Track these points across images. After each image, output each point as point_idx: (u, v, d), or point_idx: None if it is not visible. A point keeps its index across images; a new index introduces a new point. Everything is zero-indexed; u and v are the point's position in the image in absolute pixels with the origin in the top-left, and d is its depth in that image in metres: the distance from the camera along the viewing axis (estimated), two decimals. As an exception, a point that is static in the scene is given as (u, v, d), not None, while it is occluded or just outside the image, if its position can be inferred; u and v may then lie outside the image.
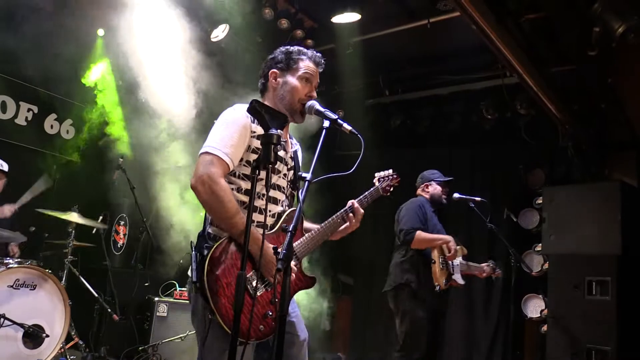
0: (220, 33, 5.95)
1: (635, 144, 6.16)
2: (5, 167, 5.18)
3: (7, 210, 5.28)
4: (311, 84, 2.66)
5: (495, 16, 4.16)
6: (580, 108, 5.70)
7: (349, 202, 2.75)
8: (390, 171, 3.11)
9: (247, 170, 2.49)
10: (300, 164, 2.85)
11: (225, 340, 2.24)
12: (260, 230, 2.30)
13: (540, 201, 6.13)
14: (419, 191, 5.15)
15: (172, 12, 5.77)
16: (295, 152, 2.76)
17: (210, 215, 2.46)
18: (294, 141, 2.85)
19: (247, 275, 2.35)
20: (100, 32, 6.48)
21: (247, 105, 2.51)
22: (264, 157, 2.06)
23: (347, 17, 5.92)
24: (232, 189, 2.45)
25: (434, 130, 7.40)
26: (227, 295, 2.27)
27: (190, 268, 2.34)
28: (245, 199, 2.46)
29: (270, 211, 2.54)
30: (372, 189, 2.96)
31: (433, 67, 6.93)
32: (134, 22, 5.90)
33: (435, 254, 4.69)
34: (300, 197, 2.15)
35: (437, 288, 4.61)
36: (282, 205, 2.61)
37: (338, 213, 2.69)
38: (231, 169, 2.44)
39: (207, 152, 2.39)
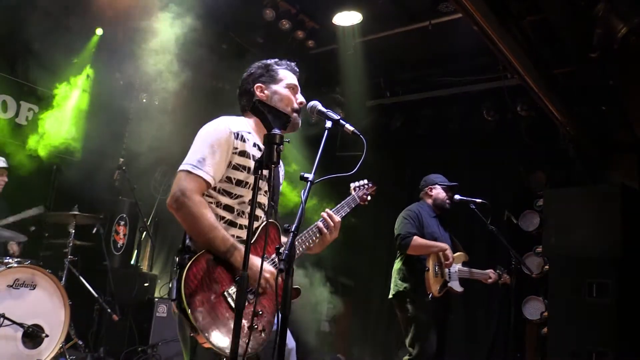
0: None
1: (636, 146, 6.16)
2: (5, 164, 5.16)
3: (16, 247, 5.26)
4: (296, 92, 2.69)
5: (497, 18, 4.16)
6: (581, 110, 5.70)
7: (323, 213, 2.68)
8: (366, 181, 3.09)
9: (228, 187, 2.44)
10: (281, 180, 2.82)
11: (210, 358, 2.21)
12: (242, 245, 2.27)
13: (541, 203, 6.13)
14: (422, 194, 5.13)
15: (173, 13, 5.79)
16: (276, 170, 2.70)
17: (187, 232, 2.40)
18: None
19: (228, 290, 2.29)
20: (99, 31, 6.48)
21: (231, 119, 2.53)
22: (267, 157, 2.05)
23: (349, 19, 5.92)
24: (211, 202, 2.42)
25: (435, 131, 7.40)
26: (206, 310, 2.19)
27: (170, 284, 2.28)
28: (224, 214, 2.43)
29: (246, 227, 2.45)
30: (348, 197, 2.94)
31: (434, 68, 6.93)
32: (134, 23, 5.93)
33: (430, 262, 4.66)
34: (303, 198, 2.13)
35: (430, 296, 4.58)
36: (261, 220, 2.55)
37: (312, 226, 2.63)
38: (212, 186, 2.40)
39: (183, 170, 2.36)
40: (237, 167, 2.44)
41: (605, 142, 6.28)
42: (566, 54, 5.04)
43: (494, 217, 4.93)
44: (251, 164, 2.46)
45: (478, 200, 4.96)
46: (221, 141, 2.41)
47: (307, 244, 2.60)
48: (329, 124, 2.38)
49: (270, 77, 2.67)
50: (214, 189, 2.43)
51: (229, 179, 2.44)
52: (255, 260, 2.24)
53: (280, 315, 1.99)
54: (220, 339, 2.17)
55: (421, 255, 4.70)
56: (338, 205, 2.83)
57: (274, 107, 2.30)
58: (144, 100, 7.14)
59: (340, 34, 6.21)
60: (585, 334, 5.03)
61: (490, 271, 5.06)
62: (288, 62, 2.76)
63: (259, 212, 2.55)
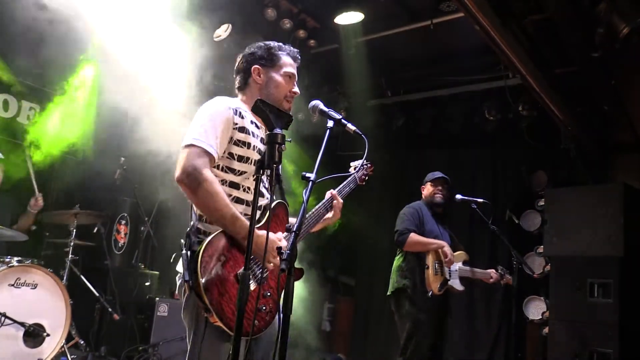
0: (222, 32, 5.94)
1: (638, 146, 6.15)
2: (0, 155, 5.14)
3: (40, 200, 5.27)
4: (293, 81, 2.67)
5: (499, 17, 4.15)
6: (583, 110, 5.69)
7: (328, 193, 2.75)
8: (364, 160, 2.99)
9: (230, 163, 2.43)
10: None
11: (222, 338, 2.22)
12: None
13: (543, 203, 6.12)
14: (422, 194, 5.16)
15: (174, 12, 5.78)
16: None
17: (198, 209, 2.38)
18: None
19: (238, 272, 2.29)
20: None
21: (228, 98, 2.53)
22: (269, 156, 2.05)
23: (350, 18, 5.91)
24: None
25: (436, 131, 7.39)
26: (221, 291, 2.21)
27: (181, 266, 2.28)
28: (230, 191, 2.41)
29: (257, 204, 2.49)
30: (349, 178, 2.99)
31: (436, 68, 6.92)
32: (134, 22, 5.91)
33: (429, 259, 4.66)
34: (304, 197, 2.13)
35: (430, 294, 4.57)
36: (266, 199, 2.55)
37: (320, 204, 2.69)
38: (216, 161, 2.39)
39: (191, 145, 2.31)
40: (237, 143, 2.44)
41: (607, 142, 6.27)
42: (568, 54, 5.03)
43: (495, 217, 4.94)
44: (251, 139, 2.48)
45: (479, 200, 4.96)
46: (222, 116, 2.40)
47: (311, 224, 2.64)
48: (330, 123, 2.38)
49: (270, 60, 2.65)
50: (217, 167, 2.42)
51: (230, 155, 2.43)
52: (262, 237, 2.19)
53: (281, 315, 1.99)
54: (230, 319, 2.19)
55: (421, 253, 4.70)
56: (340, 186, 2.87)
57: (275, 107, 2.29)
58: (145, 99, 7.13)
59: (342, 33, 6.20)
60: (587, 333, 5.03)
61: (491, 271, 5.06)
62: (291, 49, 2.73)
63: (263, 190, 2.55)
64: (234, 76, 2.75)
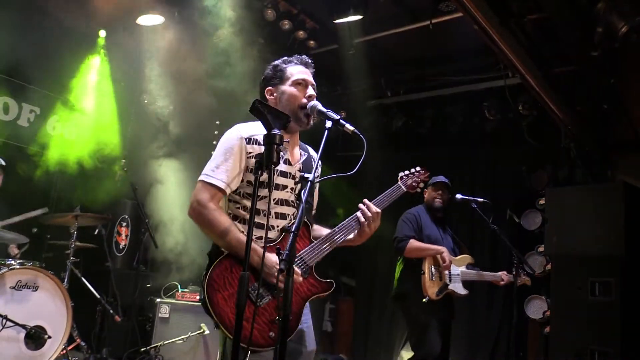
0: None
1: (638, 144, 6.14)
2: (2, 162, 5.15)
3: (16, 250, 5.23)
4: (306, 86, 2.64)
5: (497, 17, 4.15)
6: (583, 109, 5.69)
7: (360, 204, 2.66)
8: (417, 168, 3.13)
9: (250, 190, 2.50)
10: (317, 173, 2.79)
11: (239, 351, 2.25)
12: (260, 243, 2.36)
13: (543, 202, 6.11)
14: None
15: (175, 14, 5.80)
16: (304, 162, 2.71)
17: (208, 237, 2.50)
18: (311, 152, 2.82)
19: (250, 286, 2.34)
20: (102, 33, 6.50)
21: (245, 125, 2.57)
22: (266, 157, 2.06)
23: (349, 18, 5.92)
24: (238, 207, 2.53)
25: (436, 131, 7.40)
26: (229, 306, 2.32)
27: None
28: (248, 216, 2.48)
29: (278, 226, 2.55)
30: (392, 187, 2.92)
31: (435, 68, 6.93)
32: (136, 24, 5.93)
33: (425, 265, 4.65)
34: (302, 198, 2.14)
35: (426, 299, 4.56)
36: (290, 220, 2.59)
37: (350, 217, 2.63)
38: (229, 193, 2.50)
39: (200, 181, 2.49)
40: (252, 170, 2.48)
41: (607, 140, 6.26)
42: (567, 53, 5.02)
43: (495, 216, 4.93)
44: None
45: (480, 199, 4.96)
46: (233, 148, 2.49)
47: (342, 235, 2.61)
48: (329, 123, 2.38)
49: (278, 77, 2.68)
50: (238, 194, 2.53)
51: (249, 183, 2.51)
52: (271, 257, 2.34)
53: (282, 315, 2.00)
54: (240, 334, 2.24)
55: (420, 258, 4.70)
56: (380, 196, 2.80)
57: (274, 108, 2.30)
58: (146, 101, 7.15)
59: (341, 33, 6.21)
60: (588, 333, 5.02)
61: (502, 273, 5.05)
62: (298, 57, 2.74)
63: (287, 209, 2.59)
64: None
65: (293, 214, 2.62)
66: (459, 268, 4.85)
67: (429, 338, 4.57)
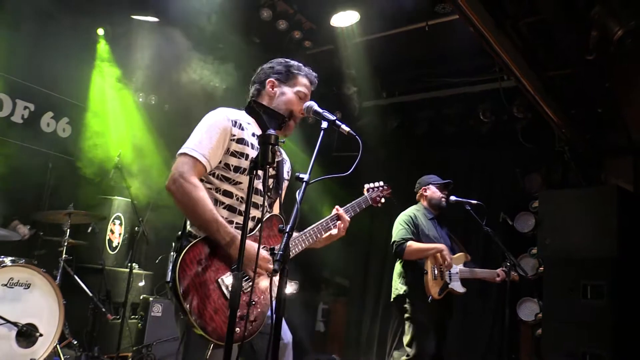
0: None
1: (631, 148, 6.18)
2: None
3: (23, 229, 5.19)
4: (304, 102, 2.67)
5: (493, 19, 4.17)
6: (577, 112, 5.71)
7: (334, 210, 2.78)
8: (381, 182, 3.19)
9: (225, 172, 2.50)
10: (286, 177, 2.86)
11: (201, 343, 2.25)
12: (239, 231, 2.33)
13: (536, 205, 6.14)
14: (417, 196, 5.14)
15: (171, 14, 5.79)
16: (279, 163, 2.74)
17: (184, 214, 2.43)
18: (284, 155, 2.87)
19: (223, 277, 2.34)
20: (100, 31, 6.48)
21: (229, 110, 2.58)
22: (262, 157, 2.06)
23: (346, 19, 5.92)
24: (210, 188, 2.48)
25: (431, 132, 7.41)
26: (199, 296, 2.24)
27: (168, 268, 2.33)
28: (223, 199, 2.48)
29: (250, 215, 2.51)
30: (360, 198, 3.03)
31: (431, 69, 6.93)
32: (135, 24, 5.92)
33: (428, 264, 4.65)
34: (298, 198, 2.14)
35: (430, 299, 4.57)
36: (260, 210, 2.57)
37: (322, 220, 2.72)
38: (208, 171, 2.45)
39: (183, 154, 2.41)
40: (234, 154, 2.50)
41: (601, 144, 6.29)
42: (562, 56, 5.04)
43: (489, 218, 4.93)
44: (248, 150, 2.53)
45: (473, 201, 4.96)
46: (218, 127, 2.48)
47: (312, 238, 2.66)
48: (324, 124, 2.38)
49: (286, 77, 2.71)
50: (213, 175, 2.49)
51: (226, 166, 2.50)
52: (251, 246, 2.30)
53: (274, 316, 1.99)
54: (207, 324, 2.23)
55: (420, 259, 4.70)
56: (347, 205, 2.89)
57: (270, 108, 2.30)
58: (140, 100, 7.14)
59: (338, 34, 6.21)
60: (580, 335, 5.04)
61: (499, 270, 5.06)
62: (310, 71, 2.79)
63: (259, 199, 2.59)
64: (249, 86, 2.80)
65: (269, 203, 2.66)
66: (457, 266, 4.87)
67: (425, 339, 4.58)
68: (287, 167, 2.88)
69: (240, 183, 2.48)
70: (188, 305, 2.20)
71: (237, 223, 2.44)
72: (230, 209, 2.47)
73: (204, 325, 2.21)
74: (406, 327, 4.68)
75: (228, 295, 2.31)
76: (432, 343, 4.61)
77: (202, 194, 2.35)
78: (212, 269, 2.31)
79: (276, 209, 2.78)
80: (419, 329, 4.58)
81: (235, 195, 2.49)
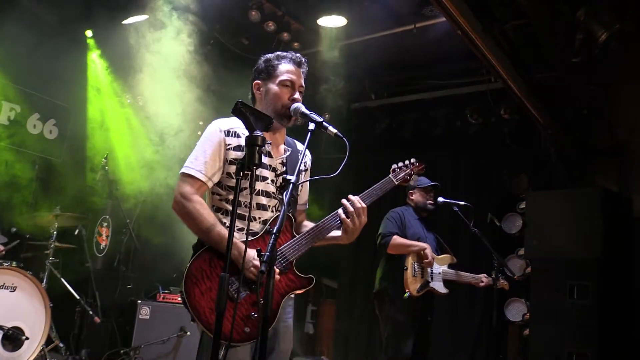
0: None
1: (617, 150, 6.23)
2: None
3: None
4: (293, 87, 2.62)
5: (480, 22, 4.20)
6: (563, 114, 5.76)
7: (343, 200, 2.57)
8: (413, 160, 2.99)
9: (229, 181, 2.54)
10: (303, 167, 2.78)
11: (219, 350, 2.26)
12: (241, 236, 2.39)
13: (524, 206, 6.17)
14: (406, 199, 5.18)
15: (161, 13, 5.78)
16: (288, 158, 2.69)
17: (191, 231, 2.50)
18: (298, 147, 2.79)
19: (229, 279, 2.35)
20: (89, 33, 6.46)
21: (224, 120, 2.59)
22: (248, 158, 2.07)
23: (334, 21, 5.94)
24: (220, 199, 2.54)
25: (419, 134, 7.44)
26: (206, 300, 2.32)
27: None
28: (230, 208, 2.52)
29: (259, 218, 2.56)
30: (382, 180, 2.82)
31: (418, 71, 6.97)
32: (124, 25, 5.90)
33: (409, 261, 4.68)
34: (284, 200, 2.15)
35: (407, 295, 4.59)
36: (271, 211, 2.60)
37: (332, 214, 2.58)
38: (209, 184, 2.50)
39: (182, 173, 2.50)
40: (233, 162, 2.52)
41: (587, 145, 6.34)
42: (548, 59, 5.09)
43: (477, 219, 4.96)
44: None
45: (461, 202, 4.99)
46: (212, 140, 2.52)
47: (325, 231, 2.56)
48: (312, 126, 2.37)
49: (267, 73, 2.66)
50: (220, 186, 2.55)
51: (229, 175, 2.54)
52: (250, 252, 2.32)
53: (263, 315, 2.01)
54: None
55: (402, 255, 4.73)
56: (369, 190, 2.71)
57: (256, 109, 2.29)
58: (128, 101, 7.10)
59: (325, 36, 6.22)
60: (566, 335, 5.08)
61: (482, 275, 5.10)
62: (292, 54, 2.69)
63: (267, 201, 2.58)
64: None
65: (275, 205, 2.62)
66: (440, 267, 4.89)
67: (401, 340, 4.60)
68: (308, 160, 2.84)
69: (246, 189, 2.42)
70: (194, 310, 2.30)
71: (240, 228, 2.48)
72: (240, 216, 2.50)
73: (209, 327, 2.28)
74: (384, 325, 4.70)
75: (234, 297, 2.33)
76: (409, 343, 4.62)
77: (201, 210, 2.43)
78: (216, 275, 2.37)
79: (301, 205, 2.79)
80: (397, 328, 4.61)
81: (244, 203, 2.50)
